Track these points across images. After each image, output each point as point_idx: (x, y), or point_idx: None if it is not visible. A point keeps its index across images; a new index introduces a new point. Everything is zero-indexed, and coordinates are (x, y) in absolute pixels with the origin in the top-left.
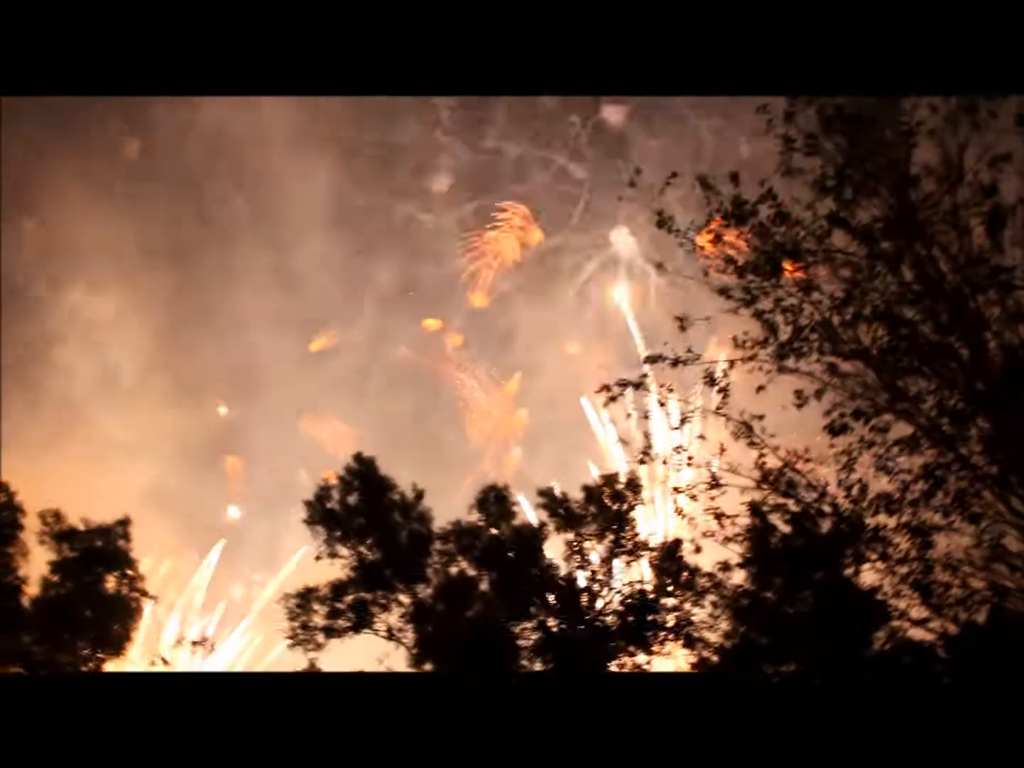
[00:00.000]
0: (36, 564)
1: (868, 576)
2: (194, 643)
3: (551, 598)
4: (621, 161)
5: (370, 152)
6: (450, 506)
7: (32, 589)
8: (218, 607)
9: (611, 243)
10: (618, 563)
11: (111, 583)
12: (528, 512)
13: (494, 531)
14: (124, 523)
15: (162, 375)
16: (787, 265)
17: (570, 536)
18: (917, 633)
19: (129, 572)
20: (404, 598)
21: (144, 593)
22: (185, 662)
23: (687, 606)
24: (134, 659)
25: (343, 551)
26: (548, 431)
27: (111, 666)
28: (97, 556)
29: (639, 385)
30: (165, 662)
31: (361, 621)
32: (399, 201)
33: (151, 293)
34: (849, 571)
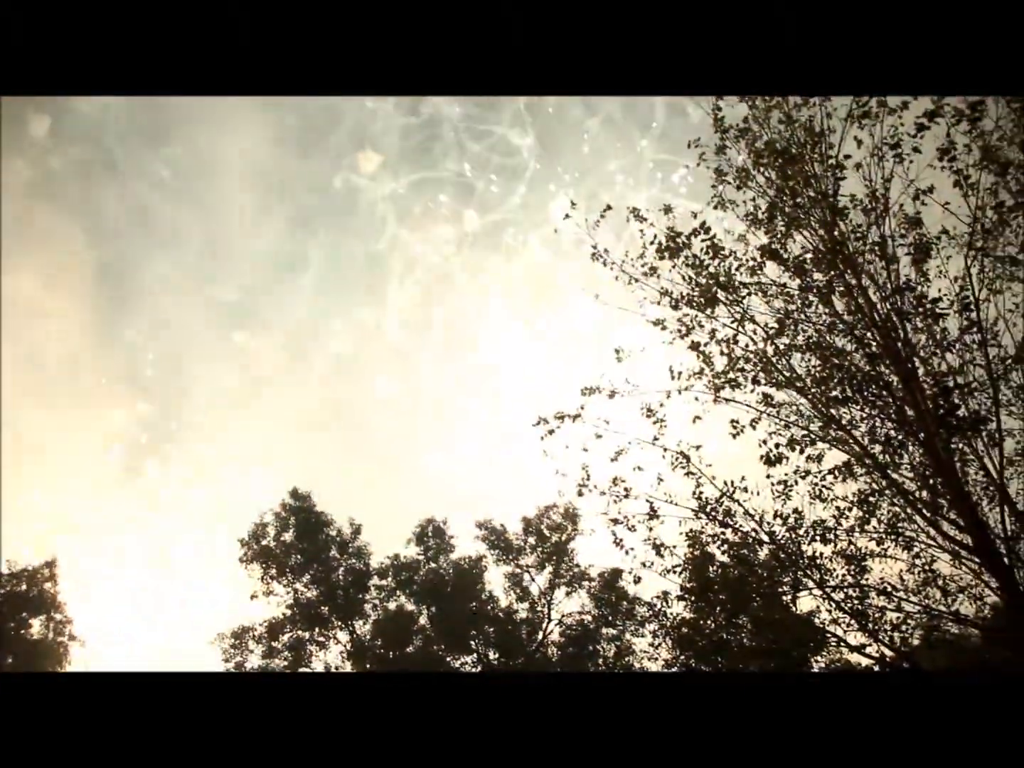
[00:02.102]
0: None
1: (805, 603)
2: None
3: (491, 631)
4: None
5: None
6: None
7: None
8: None
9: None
10: (558, 594)
11: (36, 628)
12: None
13: (432, 565)
14: (50, 564)
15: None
16: (721, 297)
17: (509, 568)
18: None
19: (56, 616)
20: (342, 635)
21: (72, 637)
22: None
23: (627, 636)
24: None
25: (279, 589)
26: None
27: None
28: (21, 600)
29: (576, 417)
30: None
31: (298, 660)
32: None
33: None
34: (787, 598)
